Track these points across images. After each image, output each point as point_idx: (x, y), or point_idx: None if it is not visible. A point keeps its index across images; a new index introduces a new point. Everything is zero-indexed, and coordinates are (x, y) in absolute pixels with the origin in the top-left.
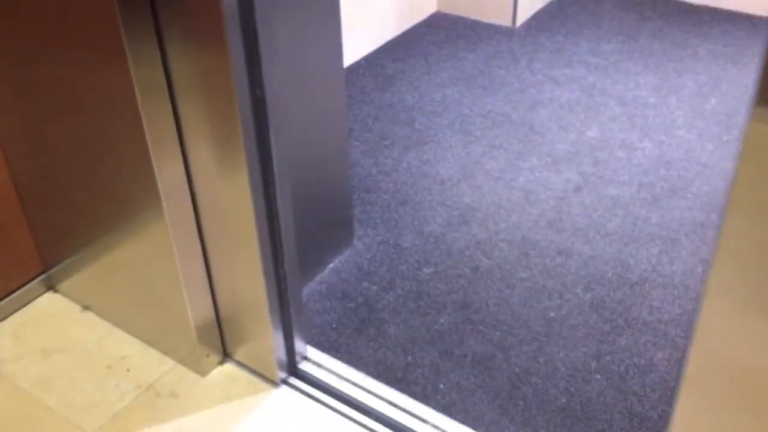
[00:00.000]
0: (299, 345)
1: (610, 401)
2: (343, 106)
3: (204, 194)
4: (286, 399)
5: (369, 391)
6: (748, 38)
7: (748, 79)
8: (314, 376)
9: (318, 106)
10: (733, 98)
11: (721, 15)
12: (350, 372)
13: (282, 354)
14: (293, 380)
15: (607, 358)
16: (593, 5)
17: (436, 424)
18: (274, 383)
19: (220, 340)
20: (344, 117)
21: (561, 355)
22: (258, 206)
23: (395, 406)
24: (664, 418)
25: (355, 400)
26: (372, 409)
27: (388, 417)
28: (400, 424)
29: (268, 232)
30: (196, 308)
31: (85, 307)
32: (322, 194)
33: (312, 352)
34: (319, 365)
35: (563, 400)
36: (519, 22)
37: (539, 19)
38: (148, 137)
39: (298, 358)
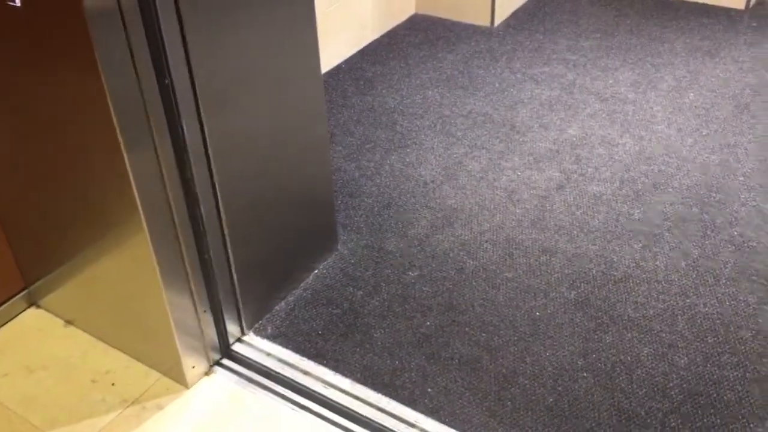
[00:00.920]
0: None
1: (597, 399)
2: (322, 110)
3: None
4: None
5: (356, 397)
6: (724, 31)
7: (725, 72)
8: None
9: (297, 111)
10: (711, 91)
11: (697, 9)
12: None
13: (214, 336)
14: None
15: (594, 355)
16: (571, 3)
17: (425, 427)
18: (211, 367)
19: (204, 350)
20: (325, 122)
21: (547, 354)
22: (174, 189)
23: (383, 411)
24: (652, 414)
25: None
26: (360, 414)
27: (376, 422)
28: (388, 429)
29: (189, 217)
30: (179, 320)
31: (68, 322)
32: (305, 200)
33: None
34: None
35: (551, 399)
36: (497, 21)
37: (517, 18)
38: (123, 149)
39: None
